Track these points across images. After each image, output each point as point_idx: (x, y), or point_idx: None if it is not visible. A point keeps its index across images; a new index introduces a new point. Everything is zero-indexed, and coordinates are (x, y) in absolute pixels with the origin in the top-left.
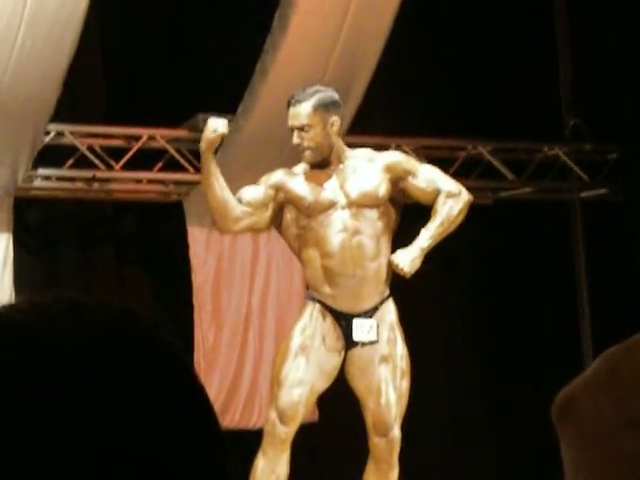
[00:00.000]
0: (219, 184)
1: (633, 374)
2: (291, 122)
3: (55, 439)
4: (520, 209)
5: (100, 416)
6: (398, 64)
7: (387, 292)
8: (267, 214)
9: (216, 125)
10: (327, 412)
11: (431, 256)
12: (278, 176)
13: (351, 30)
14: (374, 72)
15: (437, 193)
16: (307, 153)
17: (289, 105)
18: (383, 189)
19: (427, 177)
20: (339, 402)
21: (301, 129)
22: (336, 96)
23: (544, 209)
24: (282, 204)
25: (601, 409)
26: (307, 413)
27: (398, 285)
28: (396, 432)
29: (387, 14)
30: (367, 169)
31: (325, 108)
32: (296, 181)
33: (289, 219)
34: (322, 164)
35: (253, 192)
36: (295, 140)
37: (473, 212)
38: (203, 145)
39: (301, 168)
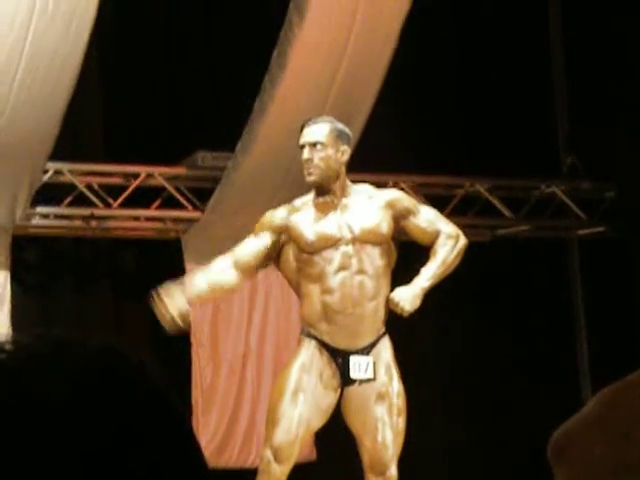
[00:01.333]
0: (201, 290)
1: (625, 417)
2: (305, 139)
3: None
4: (517, 247)
5: (82, 456)
6: (395, 102)
7: (383, 329)
8: (266, 258)
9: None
10: (326, 451)
11: (428, 293)
12: (281, 215)
13: (349, 67)
14: (372, 109)
15: (437, 234)
16: (315, 171)
17: (303, 127)
18: (386, 226)
19: (427, 217)
20: (338, 441)
21: (314, 145)
22: (348, 130)
23: (541, 247)
24: (284, 244)
25: (594, 451)
26: (305, 452)
27: (395, 322)
28: (393, 471)
29: (385, 51)
30: (370, 205)
31: (339, 134)
32: (300, 217)
33: (290, 254)
34: (326, 192)
35: (255, 247)
36: (306, 155)
37: (470, 249)
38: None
39: (305, 201)
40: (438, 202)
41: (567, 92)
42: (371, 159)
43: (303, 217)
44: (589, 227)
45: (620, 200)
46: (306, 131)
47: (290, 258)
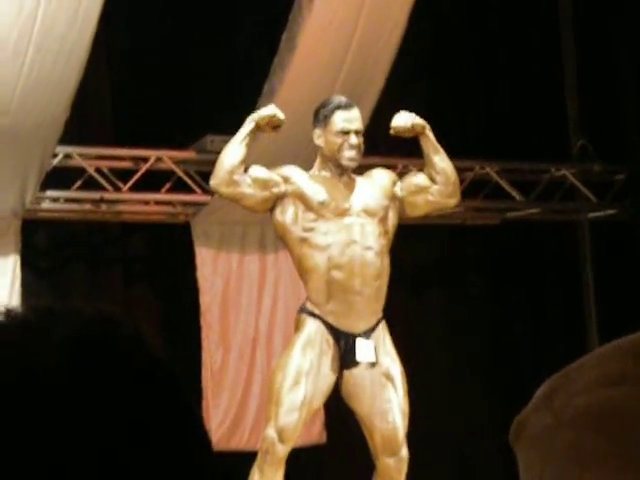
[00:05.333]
0: (242, 148)
1: (565, 398)
2: (352, 125)
3: (31, 447)
4: (528, 230)
5: (78, 424)
6: (404, 84)
7: (382, 313)
8: (261, 194)
9: (276, 111)
10: (335, 433)
11: (438, 277)
12: (290, 171)
13: (358, 51)
14: (381, 92)
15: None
16: (358, 158)
17: (339, 107)
18: (387, 203)
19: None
20: (347, 423)
21: (357, 132)
22: None
23: (552, 230)
24: (283, 197)
25: (542, 420)
26: (315, 434)
27: (404, 304)
28: (405, 451)
29: (394, 33)
30: (373, 184)
31: None
32: (310, 179)
33: (293, 217)
34: (342, 173)
35: (260, 171)
36: (355, 141)
37: (480, 232)
38: (256, 117)
39: (314, 171)
40: None
41: (577, 75)
42: (380, 142)
43: (310, 180)
44: (599, 210)
45: (630, 183)
46: (349, 116)
47: (293, 222)
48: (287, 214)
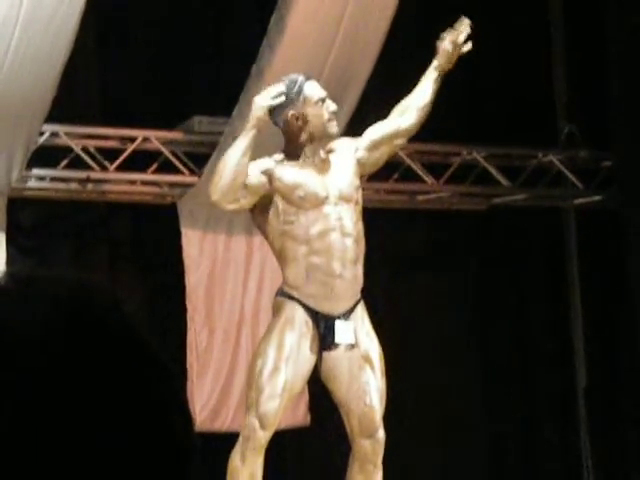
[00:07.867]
0: (248, 161)
1: None
2: (325, 93)
3: (8, 412)
4: (514, 215)
5: (52, 389)
6: (393, 68)
7: (360, 294)
8: (254, 199)
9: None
10: (319, 415)
11: (422, 261)
12: (269, 164)
13: (347, 33)
14: (370, 75)
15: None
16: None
17: (305, 80)
18: (358, 182)
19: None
20: (331, 405)
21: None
22: None
23: (538, 215)
24: (269, 192)
25: None
26: (299, 417)
27: (389, 287)
28: (381, 433)
29: (383, 18)
30: (342, 161)
31: None
32: (287, 170)
33: (276, 211)
34: (316, 149)
35: (251, 175)
36: (335, 107)
37: (467, 218)
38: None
39: (285, 157)
40: (435, 170)
41: (565, 61)
42: (367, 126)
43: (290, 171)
44: (586, 196)
45: (617, 170)
46: (317, 85)
47: (277, 216)
48: (271, 210)
